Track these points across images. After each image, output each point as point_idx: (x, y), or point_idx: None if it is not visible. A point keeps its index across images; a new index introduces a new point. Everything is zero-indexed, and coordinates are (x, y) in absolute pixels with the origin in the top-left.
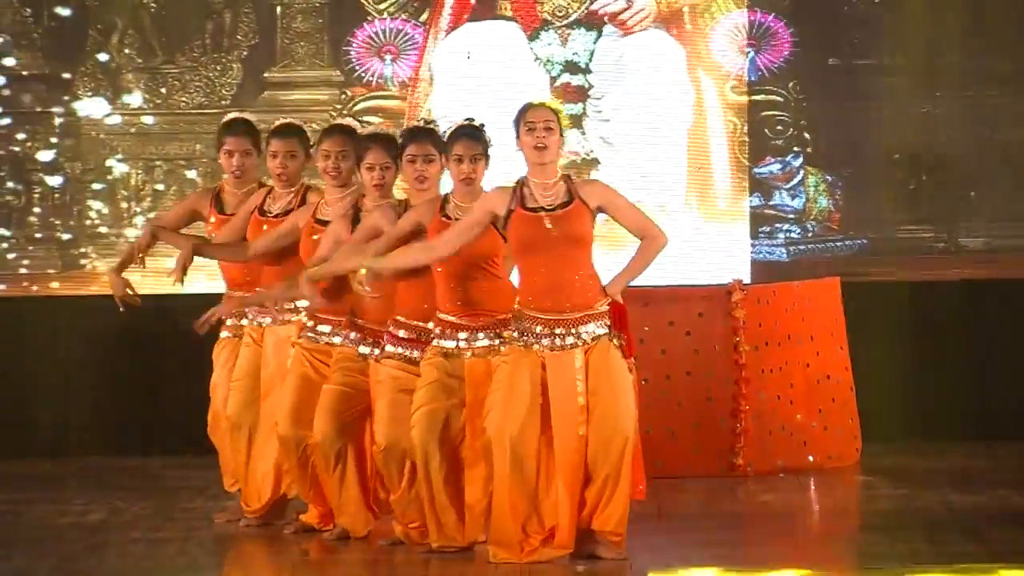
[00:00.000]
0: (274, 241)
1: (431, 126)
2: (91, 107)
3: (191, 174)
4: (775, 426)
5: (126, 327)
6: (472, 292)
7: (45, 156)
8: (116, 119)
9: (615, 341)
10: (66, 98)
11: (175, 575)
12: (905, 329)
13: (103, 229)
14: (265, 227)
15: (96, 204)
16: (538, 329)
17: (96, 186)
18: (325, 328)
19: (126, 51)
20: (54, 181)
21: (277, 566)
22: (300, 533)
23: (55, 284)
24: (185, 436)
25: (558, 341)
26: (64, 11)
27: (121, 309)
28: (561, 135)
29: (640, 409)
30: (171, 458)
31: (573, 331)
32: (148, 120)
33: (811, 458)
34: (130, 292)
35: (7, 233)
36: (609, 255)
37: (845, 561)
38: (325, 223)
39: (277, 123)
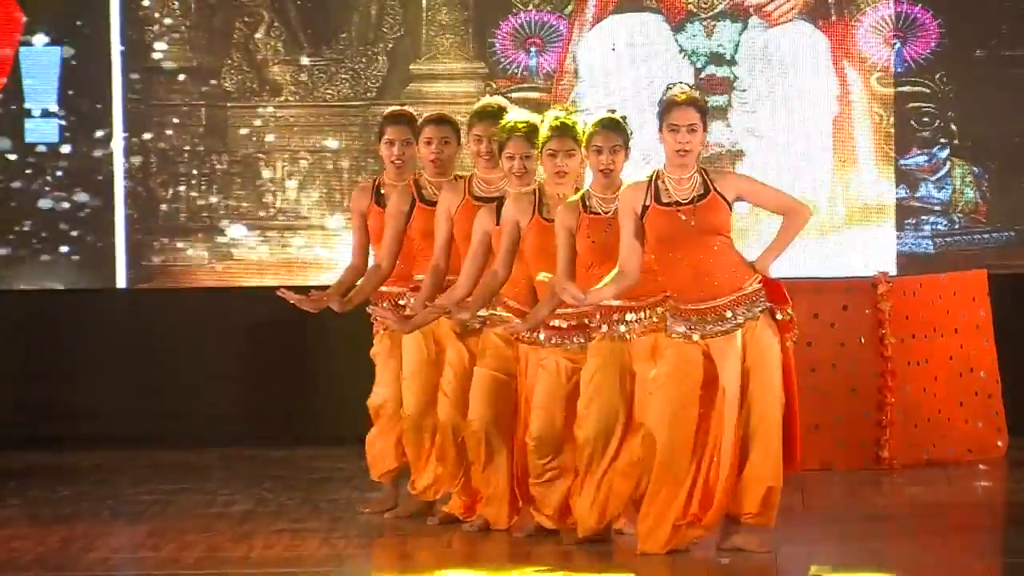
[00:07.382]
0: (474, 261)
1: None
2: (237, 99)
3: (336, 166)
4: (920, 419)
5: (273, 318)
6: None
7: (191, 148)
8: (262, 111)
9: (778, 316)
10: (212, 90)
11: (320, 566)
12: None
13: (248, 221)
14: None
15: (241, 196)
16: (694, 320)
17: (241, 178)
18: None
19: (272, 43)
20: (200, 173)
21: (421, 557)
22: (444, 524)
23: (201, 275)
24: (332, 427)
25: (717, 327)
26: (211, 4)
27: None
28: (705, 130)
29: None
30: (317, 449)
31: (728, 314)
32: (293, 112)
33: (952, 451)
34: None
35: (154, 226)
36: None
37: (990, 554)
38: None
39: (430, 112)
